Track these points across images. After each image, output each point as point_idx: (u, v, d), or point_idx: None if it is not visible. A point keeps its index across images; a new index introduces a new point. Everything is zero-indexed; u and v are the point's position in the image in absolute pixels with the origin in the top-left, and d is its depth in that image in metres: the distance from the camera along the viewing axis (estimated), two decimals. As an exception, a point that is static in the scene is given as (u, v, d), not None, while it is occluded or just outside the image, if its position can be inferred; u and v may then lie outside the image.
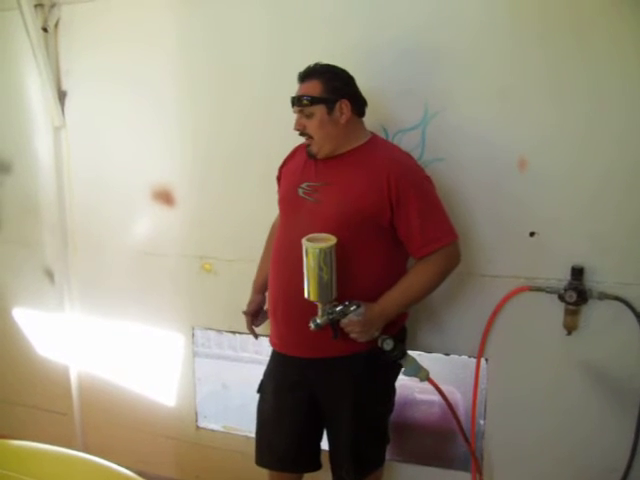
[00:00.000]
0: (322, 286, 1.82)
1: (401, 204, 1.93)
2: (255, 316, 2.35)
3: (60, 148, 2.94)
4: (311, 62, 2.02)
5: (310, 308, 1.90)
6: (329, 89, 1.97)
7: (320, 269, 1.80)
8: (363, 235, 1.90)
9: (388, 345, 1.95)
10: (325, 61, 2.02)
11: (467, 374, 2.42)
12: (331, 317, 1.88)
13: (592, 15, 2.04)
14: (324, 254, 1.79)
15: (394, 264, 2.06)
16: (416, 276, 2.00)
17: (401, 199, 1.93)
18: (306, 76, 2.00)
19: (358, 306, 1.89)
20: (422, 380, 2.06)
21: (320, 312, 1.88)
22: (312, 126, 1.98)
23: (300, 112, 1.99)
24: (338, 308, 1.88)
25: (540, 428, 2.32)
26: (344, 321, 1.89)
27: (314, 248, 1.79)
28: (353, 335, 1.91)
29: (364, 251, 1.92)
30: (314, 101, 1.96)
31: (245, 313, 2.35)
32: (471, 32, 2.18)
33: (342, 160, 2.02)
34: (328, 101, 1.97)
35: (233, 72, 2.55)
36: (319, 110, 1.96)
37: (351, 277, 1.91)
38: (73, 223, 3.00)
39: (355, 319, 1.88)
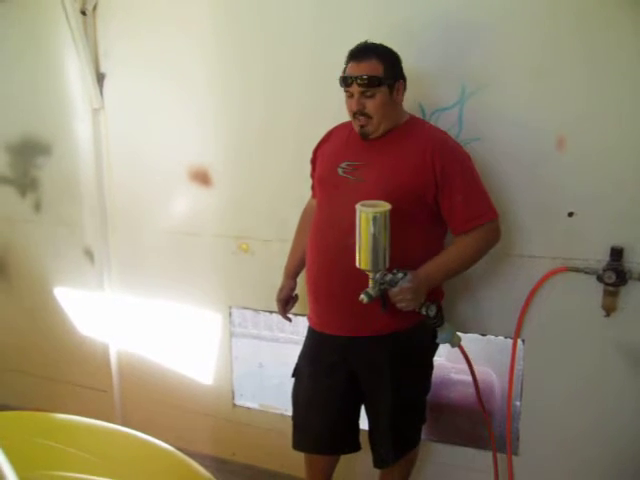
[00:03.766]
0: (377, 253, 1.80)
1: (445, 180, 1.94)
2: (287, 302, 2.37)
3: (99, 129, 2.98)
4: (353, 42, 2.00)
5: (353, 286, 1.89)
6: (390, 70, 1.96)
7: (378, 233, 1.78)
8: (406, 212, 1.89)
9: (432, 311, 1.94)
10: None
11: (503, 355, 2.41)
12: (382, 287, 1.86)
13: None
14: (383, 218, 1.78)
15: (433, 241, 2.07)
16: (456, 249, 2.01)
17: (445, 175, 1.94)
18: (364, 55, 1.95)
19: (405, 274, 1.87)
20: (453, 346, 2.08)
21: (371, 283, 1.85)
22: (374, 106, 1.95)
23: (361, 92, 1.94)
24: (388, 277, 1.85)
25: (577, 410, 2.31)
26: (394, 290, 1.86)
27: (373, 213, 1.77)
28: (402, 304, 1.88)
29: (406, 228, 1.91)
30: (380, 82, 1.93)
31: (277, 300, 2.37)
32: (508, 11, 2.15)
33: (384, 139, 2.02)
34: (391, 82, 1.96)
35: (267, 52, 2.56)
36: (382, 91, 1.94)
37: (393, 252, 1.88)
38: (112, 204, 3.05)
39: (406, 286, 1.85)
